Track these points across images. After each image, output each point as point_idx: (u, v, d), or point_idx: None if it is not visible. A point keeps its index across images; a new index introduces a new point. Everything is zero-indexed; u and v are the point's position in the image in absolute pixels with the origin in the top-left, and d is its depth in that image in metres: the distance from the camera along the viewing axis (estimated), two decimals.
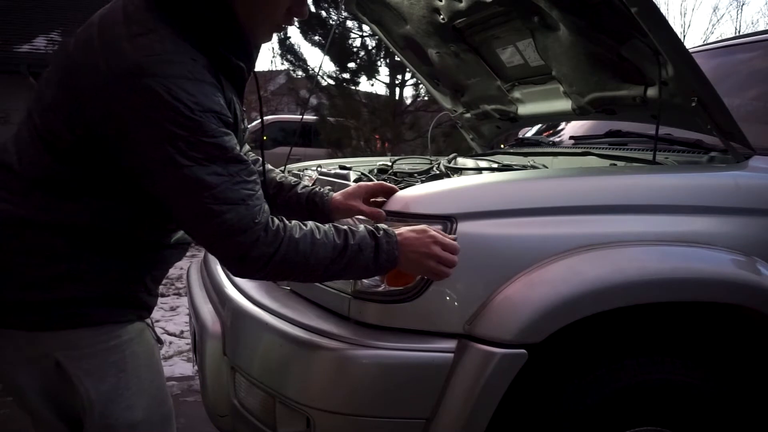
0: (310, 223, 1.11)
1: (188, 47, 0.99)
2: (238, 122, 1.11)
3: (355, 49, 7.90)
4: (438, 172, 1.99)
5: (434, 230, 1.18)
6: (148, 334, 1.17)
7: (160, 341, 1.23)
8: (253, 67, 1.14)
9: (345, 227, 1.13)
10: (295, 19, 1.13)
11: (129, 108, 0.95)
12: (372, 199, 1.43)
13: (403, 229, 1.18)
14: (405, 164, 2.25)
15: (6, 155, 1.06)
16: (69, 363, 1.05)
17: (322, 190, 1.48)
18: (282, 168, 2.09)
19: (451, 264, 1.18)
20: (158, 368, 1.19)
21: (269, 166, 1.49)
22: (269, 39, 1.15)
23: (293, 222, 1.09)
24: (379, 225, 1.18)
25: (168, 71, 0.95)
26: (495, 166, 1.99)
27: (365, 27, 7.31)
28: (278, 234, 1.05)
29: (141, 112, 0.95)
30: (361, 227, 1.15)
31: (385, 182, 1.50)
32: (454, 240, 1.19)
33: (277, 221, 1.06)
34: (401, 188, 1.42)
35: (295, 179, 1.52)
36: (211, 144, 0.98)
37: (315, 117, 8.58)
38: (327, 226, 1.12)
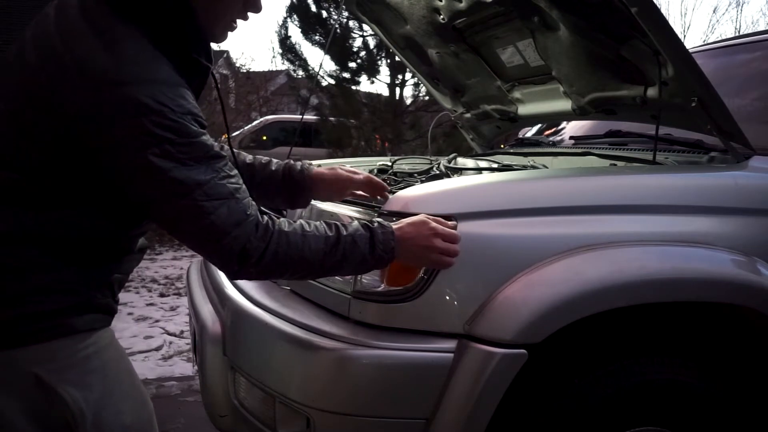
0: (299, 219, 1.12)
1: (157, 52, 0.99)
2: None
3: (355, 49, 7.91)
4: (438, 172, 1.99)
5: (433, 221, 1.19)
6: (116, 338, 1.15)
7: None
8: (212, 65, 1.12)
9: (336, 222, 1.14)
10: (250, 14, 1.12)
11: (113, 118, 0.93)
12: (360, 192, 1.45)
13: (401, 222, 1.19)
14: (405, 164, 2.25)
15: None
16: (51, 376, 1.00)
17: (299, 162, 1.44)
18: None
19: (452, 254, 1.19)
20: (133, 370, 1.17)
21: (236, 150, 1.43)
22: (225, 38, 1.13)
23: (281, 218, 1.10)
24: (373, 219, 1.18)
25: (149, 77, 0.95)
26: (495, 166, 1.99)
27: (366, 27, 7.31)
28: (268, 228, 1.05)
29: (126, 121, 0.93)
30: (354, 222, 1.15)
31: (373, 177, 1.49)
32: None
33: (266, 216, 1.07)
34: (401, 188, 1.42)
35: (267, 159, 1.48)
36: (195, 144, 0.98)
37: (315, 117, 8.58)
38: (318, 222, 1.13)
